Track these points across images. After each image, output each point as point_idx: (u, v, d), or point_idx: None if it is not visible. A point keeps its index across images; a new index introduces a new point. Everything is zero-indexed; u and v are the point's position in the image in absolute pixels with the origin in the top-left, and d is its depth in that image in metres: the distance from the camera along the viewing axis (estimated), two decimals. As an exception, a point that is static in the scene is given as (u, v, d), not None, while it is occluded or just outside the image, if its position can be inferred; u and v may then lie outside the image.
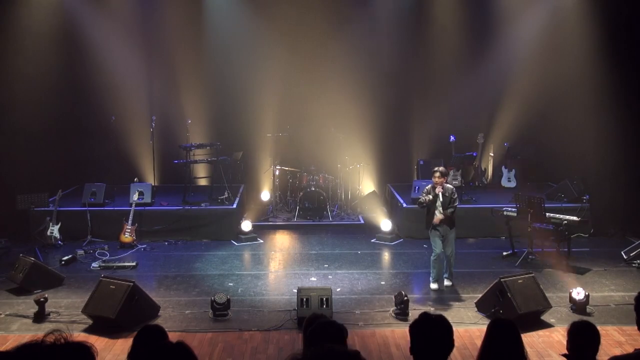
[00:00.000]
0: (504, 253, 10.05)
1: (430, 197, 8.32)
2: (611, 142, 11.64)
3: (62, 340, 2.09)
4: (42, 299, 7.49)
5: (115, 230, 10.70)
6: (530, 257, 9.66)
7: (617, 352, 6.24)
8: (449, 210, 8.28)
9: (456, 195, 8.44)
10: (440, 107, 13.08)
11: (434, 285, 8.52)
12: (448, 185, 8.43)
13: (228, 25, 13.18)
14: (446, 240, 8.39)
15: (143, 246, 10.65)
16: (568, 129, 12.28)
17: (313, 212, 12.29)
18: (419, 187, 11.39)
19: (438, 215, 8.29)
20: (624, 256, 9.63)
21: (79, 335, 6.83)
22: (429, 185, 8.45)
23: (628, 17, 11.54)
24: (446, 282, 8.61)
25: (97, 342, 6.66)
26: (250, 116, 13.13)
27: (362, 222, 12.35)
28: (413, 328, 3.16)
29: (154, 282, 8.85)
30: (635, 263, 9.46)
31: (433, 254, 8.46)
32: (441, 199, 8.30)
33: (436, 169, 8.44)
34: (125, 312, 7.12)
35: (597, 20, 11.77)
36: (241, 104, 13.19)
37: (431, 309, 7.68)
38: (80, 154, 12.46)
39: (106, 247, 10.40)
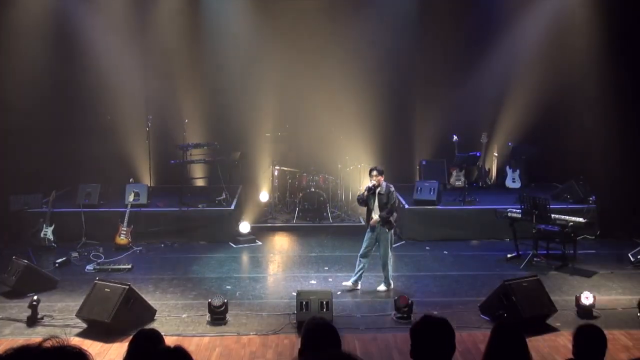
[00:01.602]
0: (509, 255, 9.91)
1: (365, 192, 8.40)
2: (618, 141, 11.51)
3: (57, 345, 1.98)
4: (34, 302, 7.35)
5: (111, 232, 10.56)
6: (535, 259, 9.53)
7: (624, 357, 6.20)
8: (384, 213, 8.25)
9: (393, 197, 8.38)
10: (443, 106, 12.92)
11: (345, 282, 8.58)
12: (387, 185, 8.40)
13: (226, 22, 13.04)
14: (379, 241, 8.38)
15: (139, 248, 10.53)
16: (573, 129, 12.18)
17: (313, 213, 12.14)
18: (421, 188, 11.28)
19: (374, 217, 8.36)
20: (631, 258, 9.51)
21: (73, 340, 6.63)
22: (371, 183, 8.40)
23: (635, 15, 11.39)
24: (379, 287, 8.51)
25: (92, 347, 6.63)
26: (248, 115, 13.00)
27: (363, 223, 12.16)
28: (414, 331, 3.11)
29: (149, 285, 8.73)
30: (642, 265, 9.34)
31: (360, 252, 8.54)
32: (377, 198, 8.32)
33: (372, 167, 8.52)
34: (120, 316, 7.05)
35: (603, 18, 11.66)
36: (239, 102, 13.06)
37: (434, 312, 7.52)
38: (74, 154, 12.32)
39: (101, 249, 10.26)
